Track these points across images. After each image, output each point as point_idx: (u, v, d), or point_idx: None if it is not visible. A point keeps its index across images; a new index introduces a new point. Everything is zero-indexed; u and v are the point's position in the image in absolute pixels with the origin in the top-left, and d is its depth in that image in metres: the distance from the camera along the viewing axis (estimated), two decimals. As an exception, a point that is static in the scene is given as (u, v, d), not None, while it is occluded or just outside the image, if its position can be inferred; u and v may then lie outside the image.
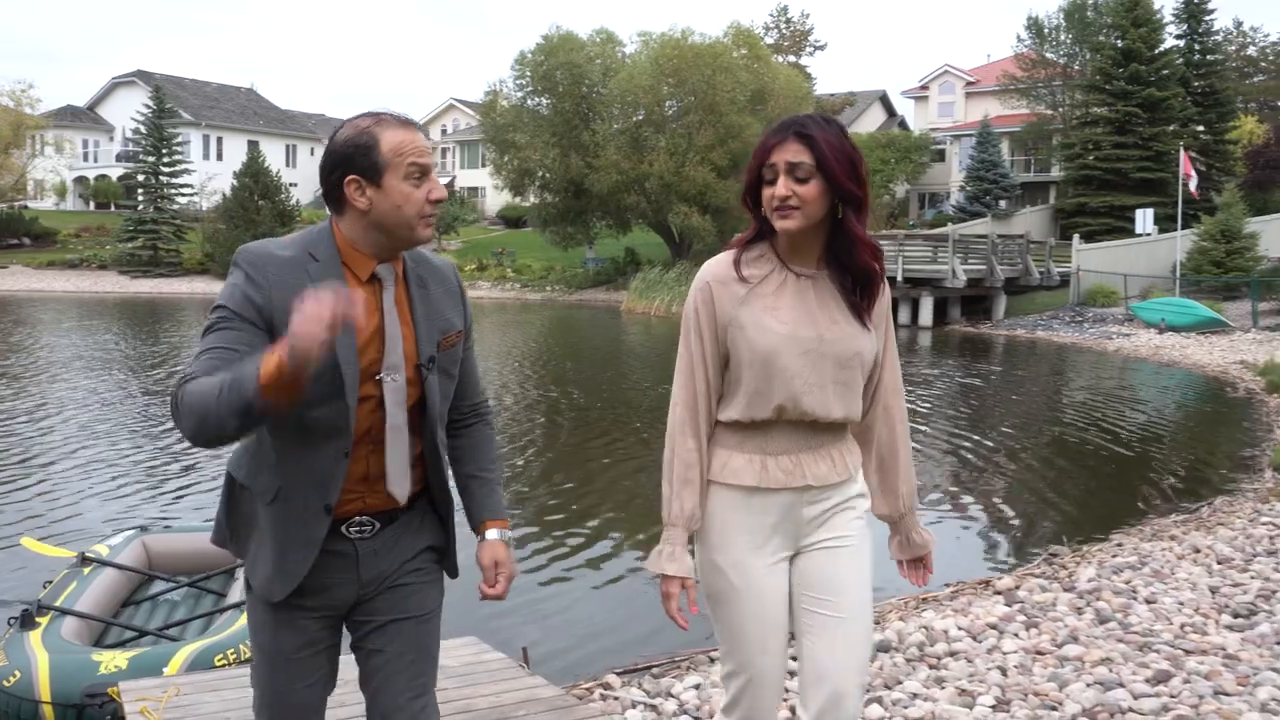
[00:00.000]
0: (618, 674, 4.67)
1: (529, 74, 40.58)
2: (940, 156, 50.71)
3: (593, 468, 10.42)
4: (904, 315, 27.87)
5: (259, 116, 64.88)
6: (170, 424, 11.96)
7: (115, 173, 58.54)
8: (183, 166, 49.88)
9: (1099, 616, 5.14)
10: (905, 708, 3.97)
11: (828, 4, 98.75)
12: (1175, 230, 29.06)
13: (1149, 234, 30.78)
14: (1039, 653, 4.64)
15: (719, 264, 2.23)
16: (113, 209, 55.38)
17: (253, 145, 54.71)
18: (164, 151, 49.24)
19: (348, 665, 2.18)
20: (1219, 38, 42.29)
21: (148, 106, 49.94)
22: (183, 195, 49.66)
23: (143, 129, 49.96)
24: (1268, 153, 39.91)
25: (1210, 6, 40.03)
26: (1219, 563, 6.16)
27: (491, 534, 2.23)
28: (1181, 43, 39.85)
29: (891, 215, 46.43)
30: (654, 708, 4.13)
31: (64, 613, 4.59)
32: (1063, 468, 10.57)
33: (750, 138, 37.19)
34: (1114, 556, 6.54)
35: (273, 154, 55.60)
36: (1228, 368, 18.30)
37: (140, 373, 17.27)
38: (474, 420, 2.30)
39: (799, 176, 2.09)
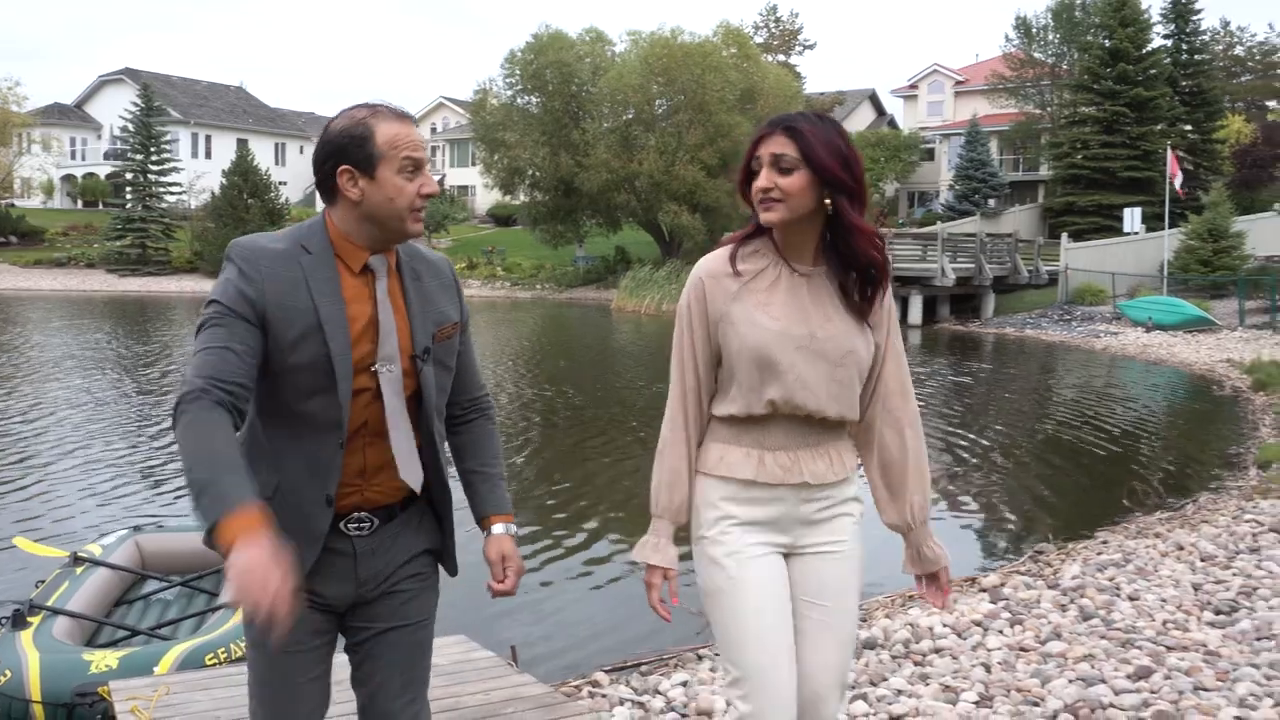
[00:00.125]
0: (606, 672, 4.71)
1: (519, 73, 40.62)
2: (929, 155, 50.88)
3: (584, 467, 10.45)
4: (893, 313, 27.95)
5: (248, 115, 64.74)
6: (163, 424, 11.97)
7: (103, 171, 58.38)
8: (171, 165, 49.77)
9: (1082, 613, 5.19)
10: (890, 704, 4.01)
11: (817, 3, 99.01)
12: (1163, 229, 29.20)
13: (1137, 233, 30.92)
14: (1023, 649, 4.69)
15: (714, 259, 2.23)
16: (100, 207, 55.26)
17: (242, 143, 54.52)
18: (152, 149, 49.13)
19: (339, 665, 2.18)
20: (1206, 37, 42.56)
21: (136, 104, 49.83)
22: (171, 193, 49.54)
23: (131, 127, 49.85)
24: (1255, 152, 40.15)
25: (1197, 6, 40.27)
26: (1202, 560, 6.22)
27: (497, 529, 2.22)
28: (1169, 42, 40.07)
29: (881, 214, 46.53)
30: (641, 705, 4.16)
31: (56, 612, 4.61)
32: (1050, 466, 10.63)
33: (740, 136, 37.28)
34: (1099, 554, 6.60)
35: (262, 152, 55.48)
36: (1214, 366, 18.41)
37: (132, 372, 17.24)
38: (475, 415, 2.29)
39: (783, 168, 2.09)
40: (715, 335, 2.19)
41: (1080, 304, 28.91)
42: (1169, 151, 29.83)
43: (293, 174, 62.16)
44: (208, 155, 59.18)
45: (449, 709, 3.47)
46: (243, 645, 3.97)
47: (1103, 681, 4.14)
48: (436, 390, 2.11)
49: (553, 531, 7.83)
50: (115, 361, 18.64)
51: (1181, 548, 6.53)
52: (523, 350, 22.24)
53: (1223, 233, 28.68)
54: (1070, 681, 4.17)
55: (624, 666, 4.82)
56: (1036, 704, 3.98)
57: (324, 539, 2.02)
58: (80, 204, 58.73)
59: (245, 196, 45.35)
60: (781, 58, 54.51)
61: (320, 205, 2.10)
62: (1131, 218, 30.92)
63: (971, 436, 11.94)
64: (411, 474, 2.07)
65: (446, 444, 2.23)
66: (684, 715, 4.05)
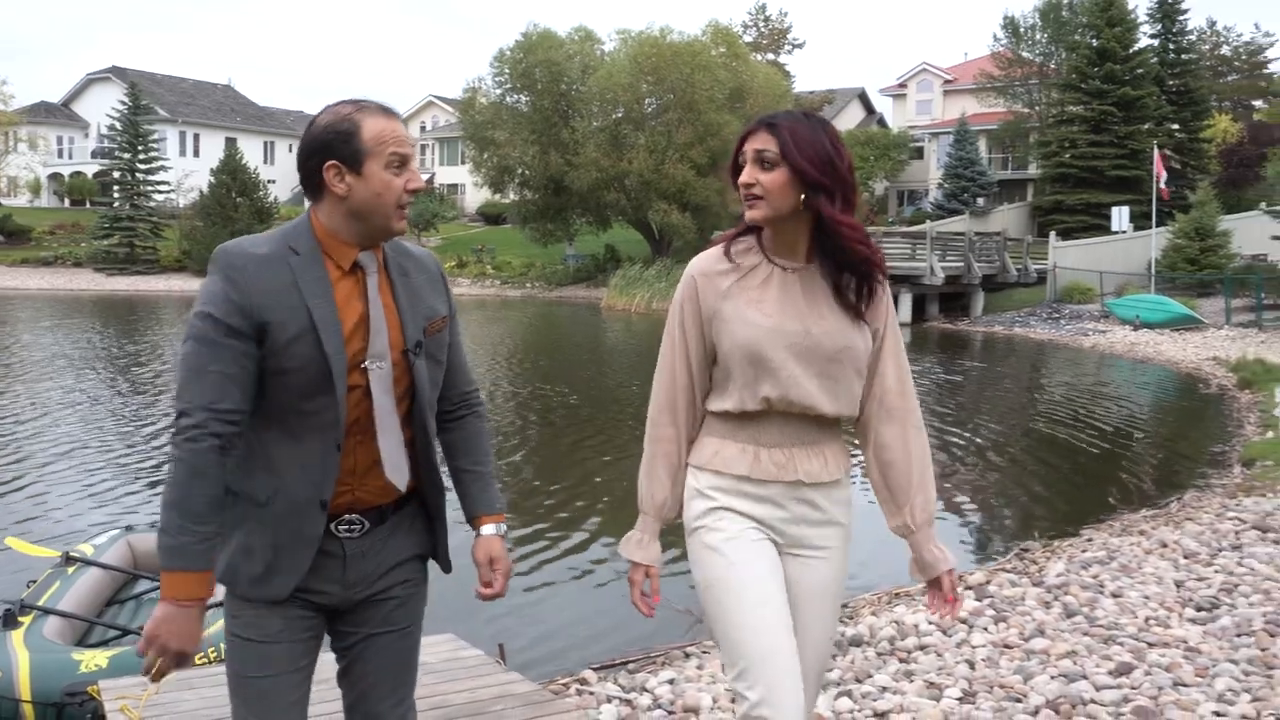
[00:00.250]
0: (594, 669, 4.74)
1: (508, 71, 40.64)
2: (918, 154, 51.04)
3: (574, 465, 10.48)
4: (882, 312, 28.06)
5: (236, 113, 64.57)
6: (154, 423, 11.96)
7: (90, 169, 58.16)
8: (159, 163, 49.63)
9: (1066, 610, 5.24)
10: (874, 700, 4.06)
11: (806, 2, 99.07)
12: (1150, 228, 29.35)
13: (1125, 231, 31.08)
14: (1007, 646, 4.73)
15: (705, 258, 2.24)
16: (88, 206, 55.05)
17: (230, 142, 54.41)
18: (140, 148, 48.97)
19: (325, 664, 2.19)
20: (1193, 37, 42.79)
21: (123, 103, 49.67)
22: (159, 192, 49.39)
23: (118, 125, 49.70)
24: (1241, 151, 40.38)
25: (1184, 6, 40.47)
26: (1185, 557, 6.27)
27: (487, 529, 2.21)
28: (1156, 42, 40.27)
29: (871, 212, 46.65)
30: (629, 702, 4.20)
31: (47, 612, 4.62)
32: (1038, 463, 10.71)
33: (729, 135, 37.29)
34: (1083, 551, 6.65)
35: (250, 151, 55.33)
36: (1201, 364, 18.52)
37: (123, 371, 17.21)
38: (465, 412, 2.27)
39: (764, 164, 2.10)
40: (708, 333, 2.19)
41: (1068, 302, 29.05)
42: (1155, 151, 29.98)
43: (281, 172, 62.01)
44: (196, 154, 59.01)
45: (437, 706, 3.49)
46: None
47: (1084, 678, 4.19)
48: (429, 384, 2.10)
49: (542, 530, 7.85)
50: (106, 361, 18.60)
51: (1165, 545, 6.59)
52: (513, 349, 22.25)
53: (1209, 231, 28.84)
54: (1052, 678, 4.22)
55: (612, 665, 4.85)
56: (1019, 700, 4.03)
57: (318, 540, 2.01)
58: (67, 203, 58.50)
59: (234, 195, 45.24)
60: (770, 57, 54.59)
61: (309, 204, 2.07)
62: (1119, 216, 31.08)
63: (960, 434, 12.01)
64: (398, 474, 2.06)
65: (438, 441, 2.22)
66: (670, 712, 4.08)
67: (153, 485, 9.11)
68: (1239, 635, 4.68)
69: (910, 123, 53.62)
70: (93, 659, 4.14)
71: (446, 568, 2.23)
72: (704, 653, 4.89)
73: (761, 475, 2.17)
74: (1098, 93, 37.45)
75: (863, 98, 60.85)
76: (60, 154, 60.72)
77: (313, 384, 1.95)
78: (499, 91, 41.69)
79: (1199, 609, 5.18)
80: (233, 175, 45.76)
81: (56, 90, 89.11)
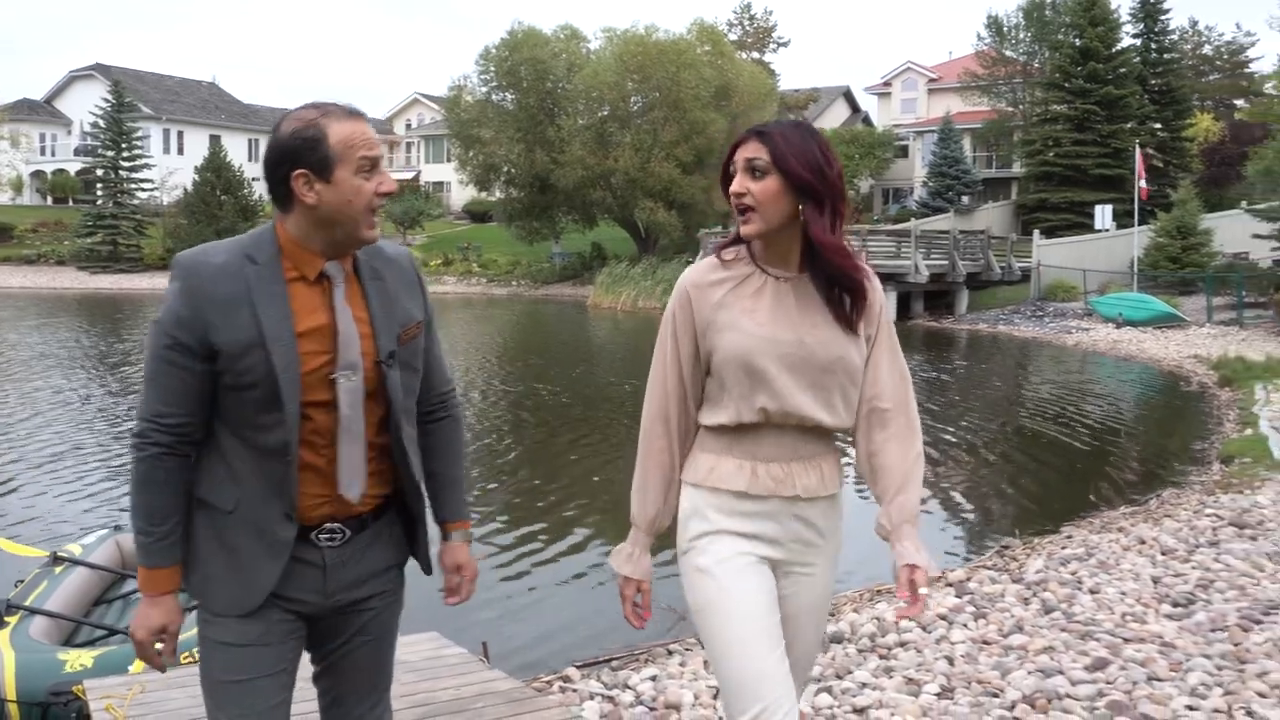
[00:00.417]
0: (577, 667, 4.78)
1: (493, 69, 40.59)
2: (903, 152, 51.17)
3: (561, 464, 10.51)
4: (867, 310, 28.18)
5: (221, 110, 64.26)
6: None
7: (73, 167, 57.80)
8: (143, 161, 49.40)
9: (1045, 607, 5.31)
10: (854, 696, 4.11)
11: (791, 1, 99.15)
12: (1133, 226, 29.53)
13: (1108, 230, 31.25)
14: (985, 642, 4.79)
15: (697, 269, 2.22)
16: (71, 204, 54.71)
17: (214, 139, 54.19)
18: (123, 146, 48.75)
19: (302, 662, 2.18)
20: (1175, 37, 42.97)
21: (107, 100, 49.42)
22: (143, 190, 49.16)
23: (101, 123, 49.44)
24: (1223, 150, 40.62)
25: (1166, 6, 40.65)
26: (1163, 554, 6.35)
27: (454, 536, 2.22)
28: (1138, 42, 40.45)
29: (856, 210, 46.76)
30: (611, 699, 4.24)
31: (33, 612, 4.62)
32: (1021, 461, 10.79)
33: (715, 134, 37.41)
34: (1063, 548, 6.73)
35: (235, 148, 55.09)
36: (1182, 362, 18.66)
37: (110, 370, 17.17)
38: (442, 415, 2.24)
39: (755, 172, 2.09)
40: (702, 344, 2.17)
41: (1052, 300, 29.20)
42: (1137, 150, 30.17)
43: (266, 170, 61.63)
44: (180, 151, 58.71)
45: (421, 704, 3.53)
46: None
47: (1060, 673, 4.26)
48: (404, 392, 2.06)
49: (526, 528, 7.89)
50: (92, 360, 18.55)
51: (1143, 542, 6.66)
52: (500, 347, 22.25)
53: (1191, 230, 29.03)
54: (1029, 673, 4.28)
55: (595, 662, 4.89)
56: (996, 695, 4.09)
57: (289, 551, 1.99)
58: (50, 200, 58.11)
59: (218, 193, 45.10)
60: (756, 55, 54.63)
61: (276, 213, 2.03)
62: (1102, 215, 31.26)
63: (945, 432, 12.08)
64: (351, 487, 2.01)
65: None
66: (652, 709, 4.12)
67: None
68: (1213, 630, 4.75)
69: (895, 121, 53.77)
70: (78, 658, 4.15)
71: (428, 569, 2.23)
72: (686, 650, 4.94)
73: (759, 491, 2.14)
74: (1081, 92, 37.64)
75: (848, 96, 60.99)
76: (43, 151, 60.32)
77: (267, 399, 1.91)
78: (484, 89, 41.65)
79: (1175, 605, 5.25)
80: (217, 173, 45.60)
81: (39, 87, 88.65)
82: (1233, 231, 29.77)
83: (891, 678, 4.33)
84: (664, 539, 2.36)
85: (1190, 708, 3.84)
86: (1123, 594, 5.48)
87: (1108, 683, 4.13)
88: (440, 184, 61.59)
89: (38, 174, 59.66)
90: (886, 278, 28.13)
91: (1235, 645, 4.51)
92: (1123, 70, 38.06)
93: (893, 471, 2.19)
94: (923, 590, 2.09)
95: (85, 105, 56.34)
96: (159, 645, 2.03)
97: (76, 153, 58.49)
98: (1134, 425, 13.31)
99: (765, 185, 2.08)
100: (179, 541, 2.00)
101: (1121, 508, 8.34)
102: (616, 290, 34.79)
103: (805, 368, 2.11)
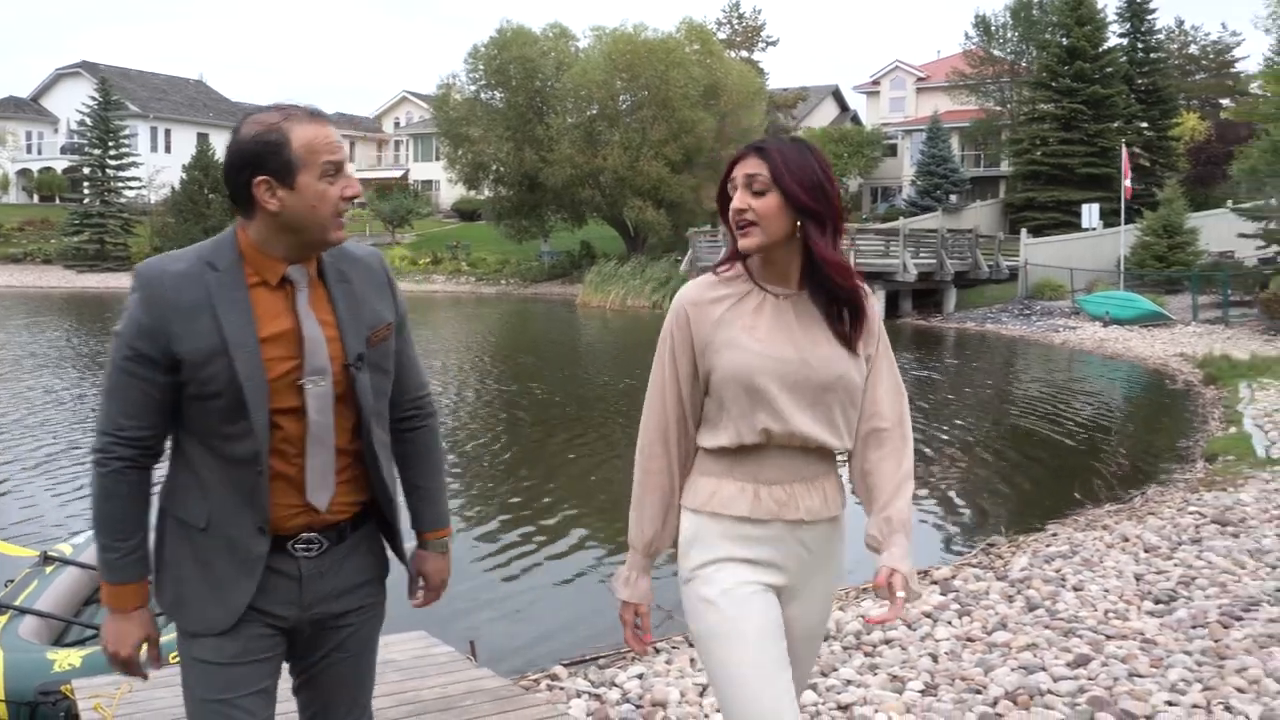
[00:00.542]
0: (564, 665, 4.81)
1: (482, 68, 40.61)
2: (892, 151, 51.28)
3: (548, 463, 10.53)
4: (856, 309, 28.28)
5: (208, 108, 64.02)
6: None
7: (60, 165, 57.55)
8: (130, 159, 49.24)
9: (1028, 604, 5.35)
10: (838, 693, 4.14)
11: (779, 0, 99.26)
12: (1119, 225, 29.68)
13: (1094, 229, 31.40)
14: (969, 639, 4.84)
15: (695, 286, 2.18)
16: (57, 202, 54.49)
17: (202, 137, 54.01)
18: (110, 144, 48.59)
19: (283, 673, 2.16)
20: (1161, 36, 43.21)
21: (93, 98, 49.24)
22: (130, 188, 49.03)
23: (88, 121, 49.27)
24: (1209, 149, 40.84)
25: (1152, 6, 40.89)
26: (1146, 551, 6.40)
27: (431, 545, 2.20)
28: (1125, 41, 40.67)
29: (845, 210, 46.79)
30: (598, 697, 4.27)
31: (23, 611, 4.63)
32: (1008, 459, 10.85)
33: (703, 132, 37.47)
34: (1047, 546, 6.78)
35: (223, 147, 53.36)
36: (1168, 360, 18.77)
37: (98, 370, 17.10)
38: (418, 423, 2.19)
39: (756, 189, 2.07)
40: (701, 364, 2.13)
41: (1039, 299, 29.34)
42: (1123, 150, 30.32)
43: (254, 168, 61.41)
44: (167, 149, 58.48)
45: (408, 702, 3.55)
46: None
47: (1043, 669, 4.30)
48: (375, 395, 2.02)
49: (514, 527, 7.91)
50: (81, 359, 18.48)
51: (1127, 539, 6.72)
52: (489, 346, 22.24)
53: (1177, 229, 29.19)
54: (1012, 670, 4.32)
55: (582, 660, 4.92)
56: (979, 691, 4.13)
57: (263, 564, 1.95)
58: (36, 199, 57.87)
59: (206, 191, 44.98)
60: (745, 54, 54.63)
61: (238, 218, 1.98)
62: (1089, 214, 31.40)
63: (933, 431, 12.14)
64: (318, 494, 1.97)
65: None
66: (639, 706, 4.15)
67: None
68: (1194, 627, 4.80)
69: (883, 120, 53.87)
70: (67, 658, 4.16)
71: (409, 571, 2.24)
72: (673, 648, 4.97)
73: (762, 515, 2.10)
74: (1068, 91, 37.82)
75: (836, 95, 61.10)
76: (29, 150, 60.05)
77: (232, 408, 1.88)
78: (473, 88, 41.65)
79: (1157, 601, 5.30)
80: (205, 171, 45.47)
81: (25, 85, 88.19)
82: (1218, 230, 29.95)
83: (876, 675, 4.37)
84: (661, 564, 2.34)
85: (1170, 703, 3.89)
86: (1106, 591, 5.53)
87: (1089, 679, 4.18)
88: (429, 182, 61.51)
89: (24, 172, 59.39)
90: (874, 276, 28.26)
91: (1215, 642, 4.56)
92: (1109, 70, 38.28)
93: (885, 487, 2.16)
94: (900, 594, 2.04)
95: (72, 103, 56.09)
96: (143, 656, 2.02)
97: (63, 151, 58.22)
98: (1120, 423, 13.39)
99: (766, 202, 2.06)
100: (146, 555, 1.98)
101: (1106, 505, 8.39)
102: (605, 289, 34.81)
103: (806, 386, 2.08)
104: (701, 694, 4.17)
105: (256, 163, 1.85)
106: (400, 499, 2.17)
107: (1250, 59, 68.63)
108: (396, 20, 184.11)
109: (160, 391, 1.89)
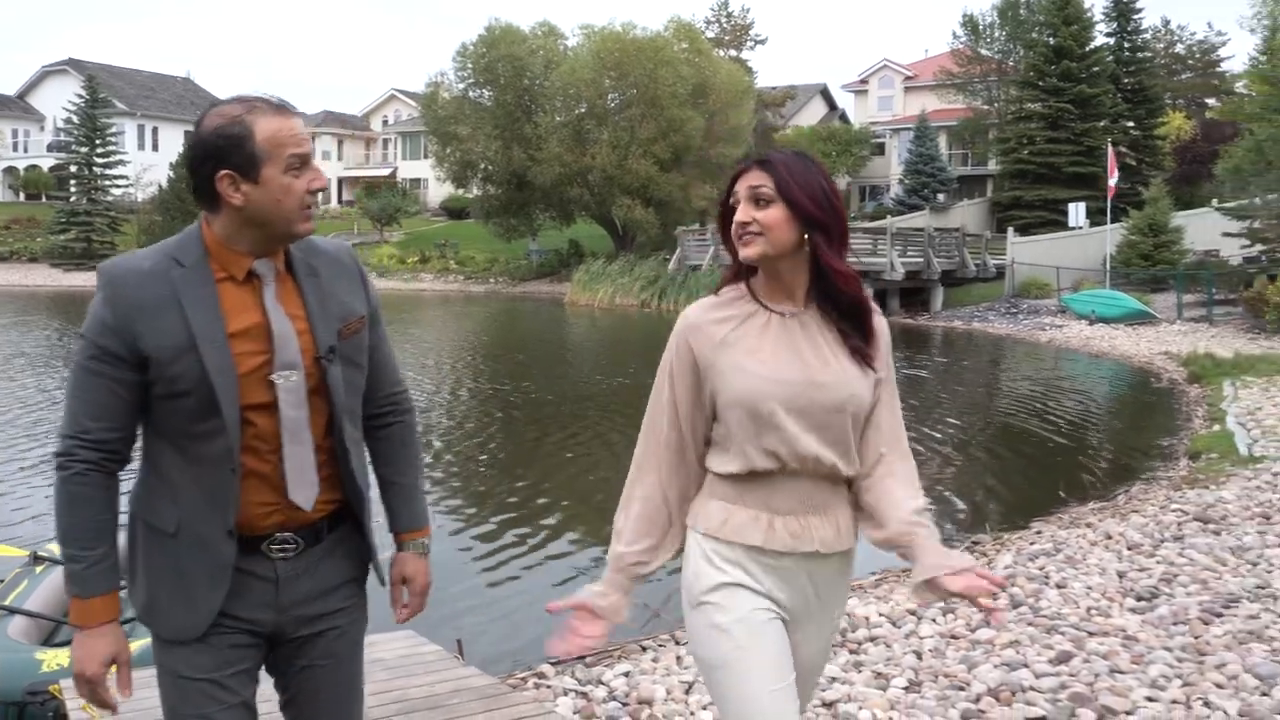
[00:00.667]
0: (551, 663, 4.82)
1: (470, 66, 40.58)
2: (880, 150, 51.44)
3: (537, 462, 10.55)
4: (843, 307, 28.38)
5: (196, 106, 63.64)
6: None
7: (46, 163, 57.25)
8: (117, 157, 49.01)
9: (1012, 601, 5.40)
10: (823, 691, 4.18)
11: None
12: (1105, 224, 29.82)
13: (1081, 227, 31.54)
14: (953, 637, 4.88)
15: (698, 308, 2.13)
16: (44, 200, 54.22)
17: (189, 135, 53.67)
18: (97, 142, 48.38)
19: (268, 682, 2.11)
20: (1147, 36, 43.47)
21: (80, 96, 49.01)
22: (117, 186, 48.81)
23: (75, 119, 49.03)
24: (1194, 148, 41.02)
25: (1139, 5, 41.14)
26: (1129, 548, 6.46)
27: (408, 546, 2.14)
28: (1111, 40, 40.89)
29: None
30: (584, 695, 4.30)
31: (12, 611, 4.63)
32: (994, 457, 10.92)
33: (692, 131, 37.51)
34: (1032, 544, 6.83)
35: (210, 145, 54.59)
36: (1153, 358, 18.88)
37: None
38: (393, 419, 2.14)
39: (760, 201, 2.02)
40: (706, 387, 2.07)
41: (1026, 297, 29.46)
42: (1109, 149, 30.46)
43: (242, 167, 61.22)
44: (154, 147, 58.27)
45: (395, 700, 3.57)
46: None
47: (1025, 666, 4.35)
48: (347, 390, 1.97)
49: (502, 526, 7.93)
50: (69, 358, 18.40)
51: (1110, 537, 6.77)
52: (478, 344, 22.24)
53: (1162, 228, 29.33)
54: (995, 666, 4.37)
55: (569, 659, 4.94)
56: (962, 688, 4.17)
57: (230, 575, 1.90)
58: (23, 197, 57.55)
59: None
60: (733, 53, 54.70)
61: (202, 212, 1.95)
62: (1076, 212, 31.54)
63: (919, 429, 12.18)
64: (301, 492, 1.93)
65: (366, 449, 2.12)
66: (625, 704, 4.18)
67: (123, 485, 9.05)
68: (1175, 624, 4.86)
69: (872, 119, 54.01)
70: (55, 658, 4.17)
71: (382, 580, 2.14)
72: (660, 646, 5.00)
73: (776, 546, 2.04)
74: (1055, 90, 37.99)
75: (825, 94, 61.21)
76: (15, 147, 59.73)
77: (202, 406, 1.83)
78: (462, 86, 41.61)
79: (1139, 599, 5.35)
80: (192, 169, 45.24)
81: (11, 83, 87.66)
82: (1203, 229, 30.09)
83: (860, 672, 4.41)
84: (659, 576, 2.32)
85: (1150, 699, 3.94)
86: (1089, 588, 5.58)
87: (1070, 675, 4.22)
88: (417, 181, 61.40)
89: (10, 170, 59.09)
90: (862, 275, 28.06)
91: (1195, 638, 4.61)
92: (1096, 69, 38.47)
93: (894, 493, 2.10)
94: (996, 592, 1.96)
95: (58, 101, 55.85)
96: (110, 679, 1.89)
97: (49, 149, 57.93)
98: (1105, 421, 13.48)
99: (771, 213, 2.02)
100: (114, 566, 1.91)
101: (1090, 503, 8.45)
102: (594, 287, 34.80)
103: (813, 409, 2.02)
104: (687, 691, 4.20)
105: (219, 156, 1.82)
106: (376, 500, 2.13)
107: (1236, 59, 69.14)
108: (385, 18, 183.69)
109: (127, 391, 1.85)
